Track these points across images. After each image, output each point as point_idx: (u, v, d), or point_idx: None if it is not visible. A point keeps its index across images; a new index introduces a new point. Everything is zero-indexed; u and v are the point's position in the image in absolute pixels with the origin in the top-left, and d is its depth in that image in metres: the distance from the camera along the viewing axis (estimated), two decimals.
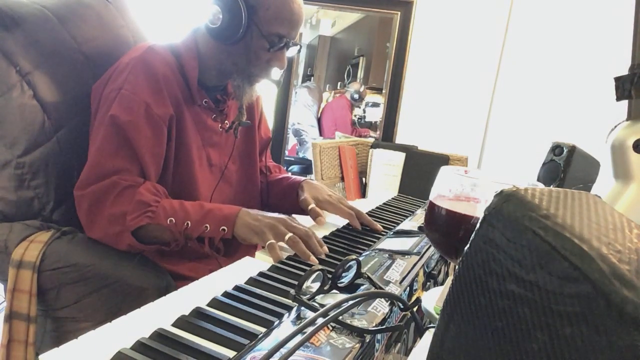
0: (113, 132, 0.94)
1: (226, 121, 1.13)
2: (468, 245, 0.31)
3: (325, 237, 0.99)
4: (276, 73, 1.08)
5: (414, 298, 0.77)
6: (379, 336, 0.58)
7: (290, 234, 0.86)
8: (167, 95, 0.99)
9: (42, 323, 0.95)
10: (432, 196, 0.56)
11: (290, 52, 1.06)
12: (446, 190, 0.54)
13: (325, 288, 0.61)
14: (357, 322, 0.57)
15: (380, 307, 0.63)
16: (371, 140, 3.28)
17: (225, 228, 0.90)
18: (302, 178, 1.24)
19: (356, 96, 4.82)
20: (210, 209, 0.93)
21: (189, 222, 0.90)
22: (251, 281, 0.72)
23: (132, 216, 0.90)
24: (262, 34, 1.00)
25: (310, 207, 1.08)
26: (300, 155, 4.79)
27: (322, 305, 0.56)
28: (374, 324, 0.58)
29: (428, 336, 0.56)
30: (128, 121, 0.94)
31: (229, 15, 0.98)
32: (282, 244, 0.87)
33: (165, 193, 0.98)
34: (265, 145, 1.33)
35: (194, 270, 1.04)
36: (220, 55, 1.05)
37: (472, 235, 0.31)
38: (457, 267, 0.32)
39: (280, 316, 0.61)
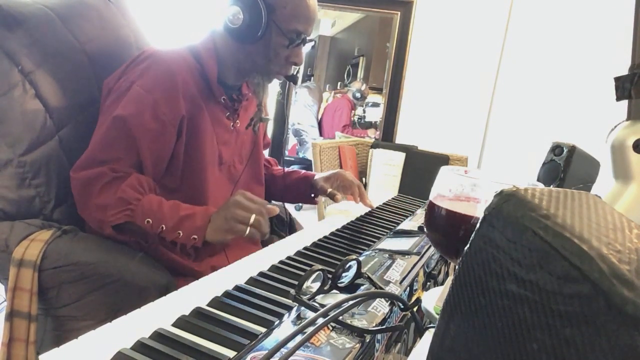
0: (116, 125, 0.97)
1: (237, 121, 1.15)
2: (468, 245, 0.31)
3: (325, 237, 0.99)
4: (293, 69, 1.10)
5: (414, 298, 0.77)
6: (379, 336, 0.58)
7: (252, 217, 0.92)
8: (182, 95, 1.00)
9: (42, 322, 0.95)
10: (432, 196, 0.56)
11: (306, 47, 1.08)
12: (446, 190, 0.54)
13: (325, 288, 0.61)
14: (357, 322, 0.57)
15: (381, 307, 0.63)
16: (371, 140, 3.28)
17: (196, 237, 0.94)
18: (311, 173, 1.34)
19: (358, 95, 4.82)
20: (184, 217, 0.95)
21: (164, 227, 0.94)
22: (251, 281, 0.72)
23: (112, 212, 0.93)
24: (281, 32, 1.02)
25: (328, 192, 1.23)
26: (300, 155, 4.79)
27: (322, 305, 0.56)
28: (374, 324, 0.58)
29: (428, 336, 0.56)
30: (133, 114, 0.96)
31: (249, 15, 1.00)
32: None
33: (151, 187, 0.99)
34: (265, 146, 1.37)
35: (196, 265, 1.05)
36: (240, 55, 1.06)
37: (472, 235, 0.31)
38: (457, 267, 0.32)
39: (280, 316, 0.61)
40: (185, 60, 1.03)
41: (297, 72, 1.14)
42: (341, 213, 1.24)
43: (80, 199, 0.98)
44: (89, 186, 0.95)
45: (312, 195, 1.31)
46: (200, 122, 1.04)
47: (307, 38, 1.06)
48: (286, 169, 1.37)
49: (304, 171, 1.35)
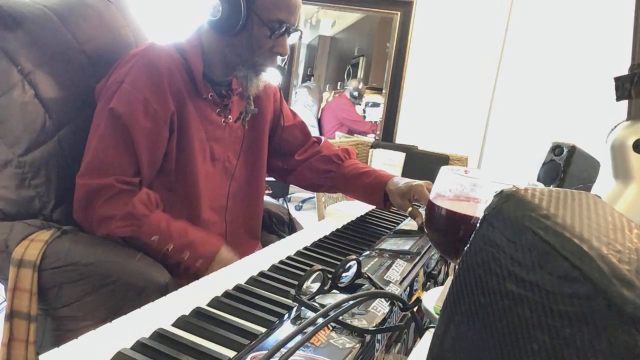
0: (113, 124, 0.97)
1: (230, 116, 1.14)
2: (468, 245, 0.31)
3: (325, 237, 0.99)
4: (279, 60, 1.09)
5: (414, 298, 0.77)
6: (379, 336, 0.58)
7: None
8: (169, 90, 1.00)
9: (42, 322, 0.95)
10: (432, 196, 0.56)
11: (292, 38, 1.07)
12: (446, 190, 0.54)
13: (326, 288, 0.61)
14: (357, 322, 0.57)
15: (381, 307, 0.63)
16: (371, 140, 3.28)
17: (202, 261, 0.97)
18: (384, 176, 1.21)
19: (355, 93, 4.82)
20: (192, 241, 0.98)
21: (170, 247, 0.96)
22: (251, 281, 0.72)
23: (118, 225, 0.95)
24: (262, 22, 1.01)
25: (409, 212, 1.10)
26: None
27: (322, 305, 0.56)
28: (374, 324, 0.58)
29: (428, 336, 0.56)
30: (126, 113, 0.97)
31: (228, 6, 0.99)
32: None
33: (157, 202, 1.01)
34: (304, 130, 1.31)
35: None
36: (225, 48, 1.06)
37: (472, 235, 0.31)
38: (457, 267, 0.32)
39: (280, 316, 0.61)
40: (171, 56, 1.03)
41: (285, 63, 1.13)
42: (341, 213, 1.24)
43: (81, 205, 0.98)
44: (94, 196, 0.96)
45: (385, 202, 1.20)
46: (187, 119, 1.04)
47: (292, 28, 1.04)
48: (358, 168, 1.25)
49: (377, 172, 1.23)
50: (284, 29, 1.03)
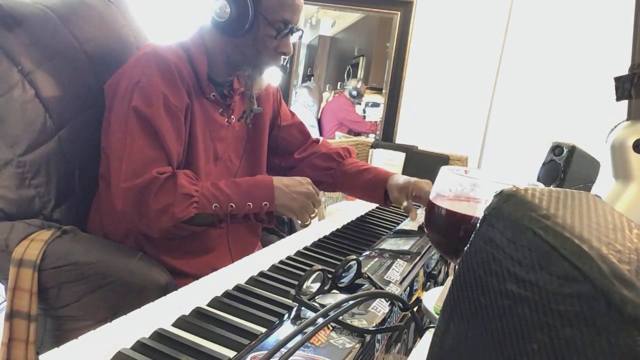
0: (139, 122, 0.97)
1: (232, 116, 1.14)
2: (468, 245, 0.31)
3: (325, 237, 1.00)
4: (283, 59, 1.10)
5: (414, 298, 0.77)
6: (379, 336, 0.58)
7: (316, 211, 1.04)
8: (182, 85, 1.01)
9: (42, 322, 0.95)
10: (432, 196, 0.56)
11: (294, 37, 1.08)
12: (446, 190, 0.54)
13: (326, 288, 0.61)
14: (357, 322, 0.57)
15: (381, 307, 0.63)
16: (371, 140, 3.28)
17: (267, 203, 1.02)
18: (385, 173, 1.22)
19: (355, 93, 4.80)
20: (249, 188, 1.02)
21: (233, 205, 0.99)
22: (251, 281, 0.72)
23: (179, 209, 0.95)
24: (268, 22, 1.02)
25: (404, 206, 1.14)
26: None
27: (322, 305, 0.56)
28: (374, 324, 0.58)
29: (428, 336, 0.56)
30: (149, 110, 0.96)
31: (235, 7, 1.00)
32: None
33: (196, 176, 1.02)
34: (302, 130, 1.33)
35: (196, 267, 1.05)
36: (228, 49, 1.06)
37: (472, 235, 0.31)
38: (457, 267, 0.32)
39: (280, 316, 0.61)
40: (177, 55, 1.03)
41: (287, 62, 1.14)
42: (341, 213, 1.24)
43: (133, 207, 0.96)
44: (144, 193, 0.95)
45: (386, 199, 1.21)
46: (194, 117, 1.05)
47: (295, 28, 1.06)
48: (359, 165, 1.27)
49: (377, 169, 1.24)
50: (288, 29, 1.04)
